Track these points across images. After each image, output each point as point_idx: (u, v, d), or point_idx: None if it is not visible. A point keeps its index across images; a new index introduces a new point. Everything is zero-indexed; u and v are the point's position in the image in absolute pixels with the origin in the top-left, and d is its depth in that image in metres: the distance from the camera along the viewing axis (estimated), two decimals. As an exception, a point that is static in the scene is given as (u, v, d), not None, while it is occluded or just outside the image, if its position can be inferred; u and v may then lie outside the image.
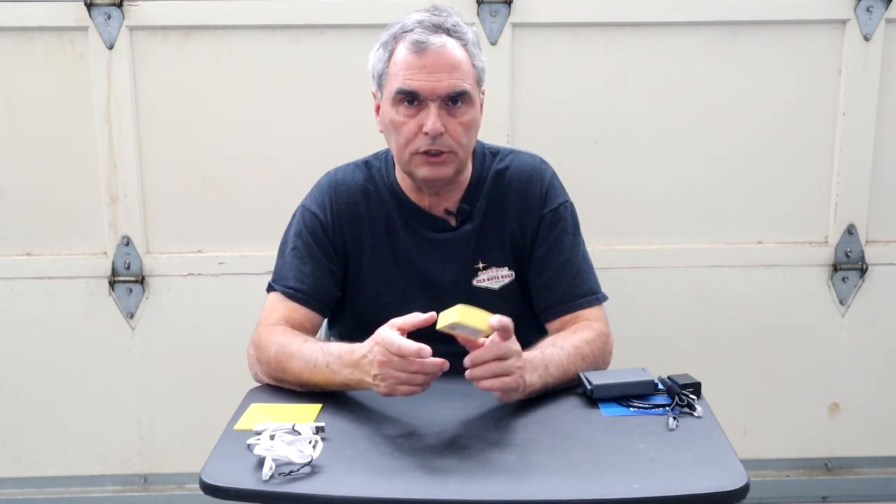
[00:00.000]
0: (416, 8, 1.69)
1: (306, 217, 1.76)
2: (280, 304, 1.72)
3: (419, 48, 1.62)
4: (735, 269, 2.56)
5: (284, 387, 1.63)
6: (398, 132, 1.66)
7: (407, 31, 1.64)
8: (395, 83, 1.64)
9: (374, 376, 1.43)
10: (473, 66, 1.66)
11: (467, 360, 1.41)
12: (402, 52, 1.64)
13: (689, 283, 2.56)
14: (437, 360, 1.39)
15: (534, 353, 1.56)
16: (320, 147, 2.41)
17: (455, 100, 1.63)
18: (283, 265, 1.75)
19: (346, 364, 1.50)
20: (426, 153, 1.64)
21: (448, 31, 1.64)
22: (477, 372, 1.42)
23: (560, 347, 1.60)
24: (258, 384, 1.68)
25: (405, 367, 1.40)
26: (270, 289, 1.76)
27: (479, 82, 1.69)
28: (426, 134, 1.62)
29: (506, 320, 1.42)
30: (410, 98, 1.63)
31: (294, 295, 1.71)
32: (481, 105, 1.72)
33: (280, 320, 1.70)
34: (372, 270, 1.76)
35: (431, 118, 1.61)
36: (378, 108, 1.73)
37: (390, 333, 1.42)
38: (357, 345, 1.49)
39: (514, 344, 1.45)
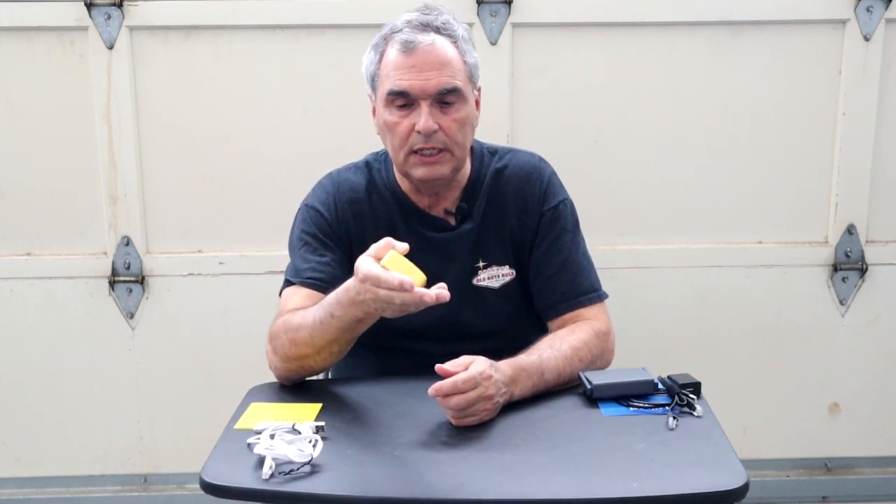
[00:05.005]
0: (409, 8, 1.69)
1: (311, 214, 1.76)
2: (296, 296, 1.68)
3: (408, 48, 1.62)
4: (735, 269, 2.56)
5: (306, 369, 1.60)
6: (392, 133, 1.66)
7: (396, 32, 1.65)
8: (387, 84, 1.64)
9: (375, 309, 1.42)
10: (465, 62, 1.66)
11: (431, 391, 1.41)
12: (392, 52, 1.64)
13: (689, 283, 2.56)
14: (416, 295, 1.34)
15: (531, 360, 1.56)
16: (320, 147, 2.41)
17: (447, 97, 1.63)
18: (297, 261, 1.73)
19: (348, 305, 1.47)
20: (421, 153, 1.64)
21: (437, 29, 1.64)
22: (443, 404, 1.42)
23: (557, 349, 1.60)
24: (260, 383, 1.67)
25: (391, 301, 1.36)
26: (288, 284, 1.73)
27: (471, 78, 1.69)
28: (419, 133, 1.62)
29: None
30: (402, 98, 1.63)
31: (312, 283, 1.68)
32: (477, 101, 1.72)
33: (295, 310, 1.68)
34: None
35: (423, 117, 1.61)
36: (374, 111, 1.73)
37: (370, 267, 1.38)
38: (347, 282, 1.46)
39: (478, 368, 1.43)
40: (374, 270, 1.37)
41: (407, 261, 1.39)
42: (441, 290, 1.37)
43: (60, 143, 2.46)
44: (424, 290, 1.35)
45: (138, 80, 2.43)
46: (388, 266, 1.37)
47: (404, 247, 1.41)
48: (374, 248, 1.41)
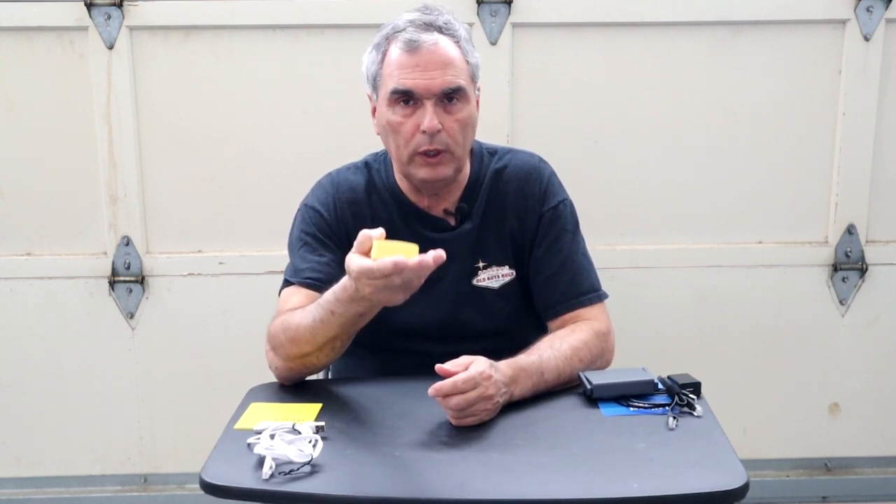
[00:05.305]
0: (409, 8, 1.69)
1: (310, 214, 1.76)
2: (295, 296, 1.68)
3: (412, 47, 1.62)
4: (735, 269, 2.56)
5: (308, 367, 1.60)
6: (396, 133, 1.66)
7: (399, 32, 1.64)
8: (390, 83, 1.64)
9: (378, 301, 1.41)
10: (467, 62, 1.67)
11: (431, 391, 1.40)
12: (395, 52, 1.64)
13: (689, 283, 2.56)
14: (413, 264, 1.34)
15: (531, 360, 1.56)
16: (320, 147, 2.41)
17: (450, 97, 1.63)
18: (296, 261, 1.73)
19: (348, 302, 1.46)
20: (425, 154, 1.64)
21: (440, 29, 1.64)
22: (443, 404, 1.42)
23: (557, 350, 1.60)
24: (260, 383, 1.67)
25: (391, 284, 1.36)
26: (287, 284, 1.72)
27: (473, 78, 1.69)
28: (424, 132, 1.62)
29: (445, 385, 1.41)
30: (406, 97, 1.63)
31: (311, 283, 1.67)
32: (477, 102, 1.72)
33: (293, 310, 1.68)
34: (373, 269, 1.75)
35: (428, 116, 1.61)
36: (374, 111, 1.73)
37: (360, 262, 1.37)
38: (343, 280, 1.46)
39: (478, 368, 1.43)
40: (365, 265, 1.36)
41: (393, 242, 1.39)
42: (436, 252, 1.35)
43: (60, 143, 2.46)
44: (421, 256, 1.34)
45: (138, 80, 2.43)
46: (377, 255, 1.36)
47: (380, 232, 1.40)
48: (356, 244, 1.40)
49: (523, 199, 1.76)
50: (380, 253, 1.36)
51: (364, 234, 1.40)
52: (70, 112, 2.44)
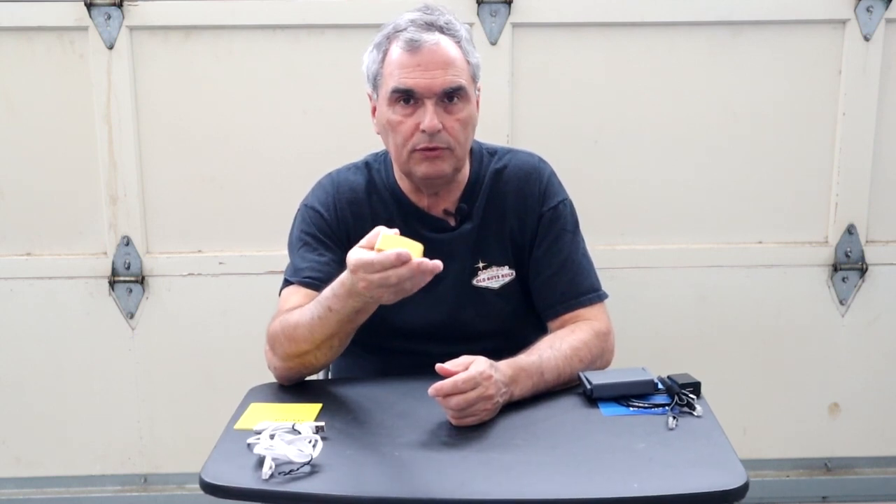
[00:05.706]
0: (409, 8, 1.70)
1: (310, 214, 1.76)
2: (294, 296, 1.68)
3: (413, 46, 1.62)
4: (735, 269, 2.56)
5: (307, 366, 1.60)
6: (395, 132, 1.66)
7: (400, 31, 1.65)
8: (391, 82, 1.64)
9: (371, 297, 1.42)
10: (468, 62, 1.67)
11: (431, 391, 1.41)
12: (397, 51, 1.64)
13: (689, 283, 2.56)
14: (413, 264, 1.35)
15: (531, 360, 1.56)
16: (320, 147, 2.41)
17: (451, 96, 1.64)
18: (296, 261, 1.73)
19: (345, 297, 1.47)
20: (423, 149, 1.64)
21: (441, 29, 1.65)
22: (443, 404, 1.42)
23: (557, 350, 1.60)
24: (260, 383, 1.67)
25: (387, 281, 1.36)
26: (287, 284, 1.72)
27: (474, 79, 1.69)
28: (423, 132, 1.62)
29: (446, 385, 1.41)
30: (406, 96, 1.63)
31: (310, 283, 1.67)
32: (478, 102, 1.72)
33: (291, 309, 1.68)
34: (372, 270, 1.75)
35: (428, 115, 1.61)
36: (374, 110, 1.73)
37: (360, 255, 1.38)
38: (342, 275, 1.47)
39: (478, 368, 1.43)
40: (365, 257, 1.37)
41: (401, 238, 1.39)
42: (435, 262, 1.36)
43: (60, 143, 2.46)
44: (422, 259, 1.35)
45: (138, 80, 2.43)
46: (384, 247, 1.37)
47: (394, 231, 1.41)
48: (365, 239, 1.41)
49: (523, 200, 1.76)
50: (385, 244, 1.37)
51: (378, 229, 1.41)
52: (70, 112, 2.44)
